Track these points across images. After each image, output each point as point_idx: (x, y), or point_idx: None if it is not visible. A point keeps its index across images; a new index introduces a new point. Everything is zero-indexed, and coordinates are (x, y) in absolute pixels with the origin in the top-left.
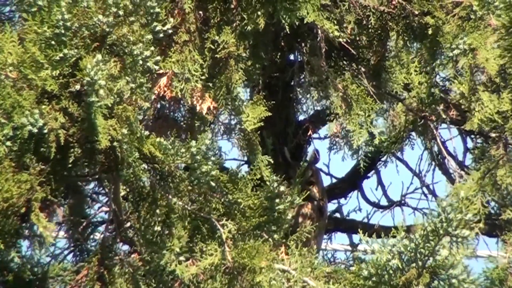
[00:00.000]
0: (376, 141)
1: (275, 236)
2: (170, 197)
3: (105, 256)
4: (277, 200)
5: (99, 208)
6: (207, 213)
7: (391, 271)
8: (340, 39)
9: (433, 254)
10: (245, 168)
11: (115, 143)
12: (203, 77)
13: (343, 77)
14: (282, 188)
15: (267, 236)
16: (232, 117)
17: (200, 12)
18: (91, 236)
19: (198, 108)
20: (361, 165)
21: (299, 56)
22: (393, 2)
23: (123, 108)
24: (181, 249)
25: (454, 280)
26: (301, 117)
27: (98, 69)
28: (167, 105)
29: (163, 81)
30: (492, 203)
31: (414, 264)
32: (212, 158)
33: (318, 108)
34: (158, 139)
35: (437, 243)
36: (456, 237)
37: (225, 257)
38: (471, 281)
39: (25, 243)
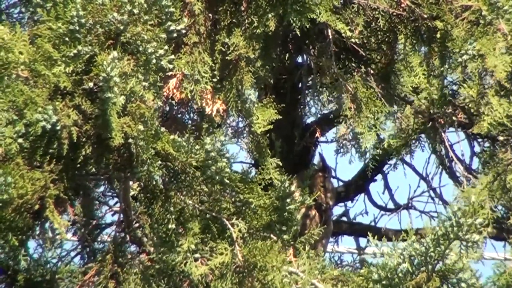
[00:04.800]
0: (385, 144)
1: (285, 236)
2: (183, 194)
3: (117, 254)
4: (287, 200)
5: (107, 209)
6: (217, 212)
7: (401, 275)
8: (352, 40)
9: (443, 258)
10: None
11: (130, 140)
12: (214, 79)
13: (353, 78)
14: (292, 188)
15: (276, 237)
16: (241, 119)
17: (210, 14)
18: (99, 238)
19: (207, 110)
20: (370, 168)
21: (307, 58)
22: (402, 5)
23: (136, 106)
24: (196, 245)
25: (463, 284)
26: (308, 120)
27: (114, 66)
28: (175, 107)
29: (173, 82)
30: (499, 207)
31: (424, 268)
32: (227, 155)
33: (326, 111)
34: (172, 136)
35: (447, 247)
36: (466, 242)
37: (236, 256)
38: (480, 285)
39: (31, 244)
